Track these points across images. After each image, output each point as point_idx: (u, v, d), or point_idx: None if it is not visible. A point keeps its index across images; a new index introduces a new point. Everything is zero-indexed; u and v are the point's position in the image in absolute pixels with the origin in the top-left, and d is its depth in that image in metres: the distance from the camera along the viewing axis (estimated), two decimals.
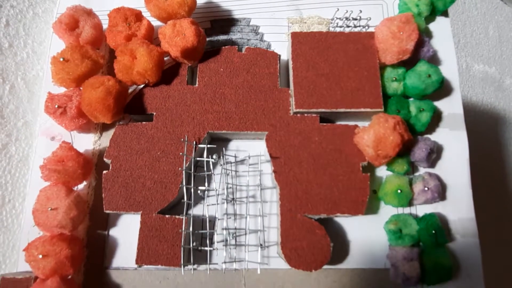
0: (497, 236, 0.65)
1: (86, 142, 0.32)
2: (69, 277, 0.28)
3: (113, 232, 0.31)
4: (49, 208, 0.28)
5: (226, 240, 0.30)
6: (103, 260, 0.30)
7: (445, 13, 0.35)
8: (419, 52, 0.32)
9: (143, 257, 0.28)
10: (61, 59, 0.30)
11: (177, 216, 0.29)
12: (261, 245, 0.29)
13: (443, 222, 0.30)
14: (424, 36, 0.32)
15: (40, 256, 0.27)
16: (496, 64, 0.93)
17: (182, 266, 0.28)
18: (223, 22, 0.35)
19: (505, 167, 0.84)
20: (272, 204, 0.31)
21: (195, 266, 0.30)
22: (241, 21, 0.35)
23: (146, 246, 0.28)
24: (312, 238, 0.28)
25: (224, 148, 0.32)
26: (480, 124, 0.83)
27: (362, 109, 0.30)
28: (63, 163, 0.29)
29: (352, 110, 0.30)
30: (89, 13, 0.32)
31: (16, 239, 0.33)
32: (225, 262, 0.30)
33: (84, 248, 0.30)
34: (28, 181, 0.32)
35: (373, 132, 0.28)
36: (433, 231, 0.28)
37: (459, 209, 0.31)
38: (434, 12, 0.34)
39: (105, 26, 0.33)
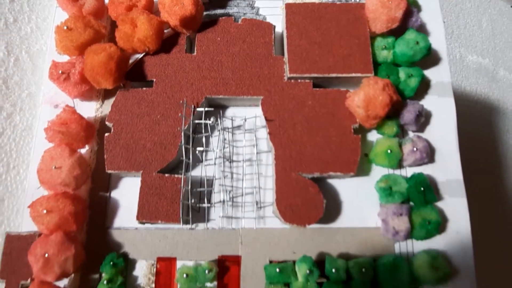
0: (489, 224, 0.66)
1: (88, 110, 0.34)
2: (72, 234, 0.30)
3: (114, 194, 0.32)
4: (53, 167, 0.29)
5: (224, 201, 0.31)
6: (104, 221, 0.31)
7: None
8: (408, 22, 0.33)
9: (143, 214, 0.29)
10: (65, 28, 0.31)
11: (176, 175, 0.30)
12: (256, 202, 0.31)
13: (432, 183, 0.32)
14: (412, 7, 0.34)
15: (45, 212, 0.28)
16: (490, 55, 0.94)
17: (181, 221, 0.29)
18: None
19: (498, 156, 0.86)
20: (267, 167, 0.32)
21: (193, 225, 0.31)
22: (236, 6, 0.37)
23: (147, 203, 0.29)
24: (306, 195, 0.29)
25: (221, 112, 0.33)
26: (474, 113, 0.85)
27: (353, 74, 0.31)
28: (67, 125, 0.30)
29: (344, 75, 0.31)
30: None
31: (20, 203, 0.34)
32: (222, 217, 0.31)
33: (86, 208, 0.31)
34: (32, 148, 0.33)
35: (363, 93, 0.29)
36: (422, 188, 0.30)
37: (447, 171, 0.32)
38: None
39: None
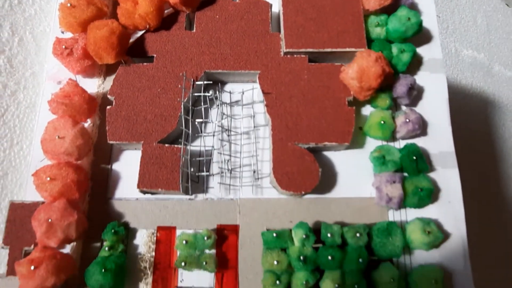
0: (483, 215, 0.67)
1: (90, 86, 0.34)
2: None
3: (115, 166, 0.33)
4: (57, 137, 0.30)
5: (222, 171, 0.32)
6: (106, 192, 0.32)
7: None
8: (400, 0, 0.34)
9: (144, 182, 0.30)
10: (68, 5, 0.32)
11: (176, 145, 0.31)
12: (254, 171, 0.31)
13: (425, 154, 0.33)
14: None
15: (48, 179, 0.29)
16: (485, 50, 0.95)
17: (181, 188, 0.30)
18: None
19: (494, 149, 0.87)
20: (265, 140, 0.33)
21: (192, 196, 0.32)
22: None
23: (147, 172, 0.30)
24: (302, 164, 0.30)
25: (220, 86, 0.34)
26: (470, 107, 0.86)
27: (347, 49, 0.32)
28: (70, 98, 0.31)
29: (338, 50, 0.33)
30: None
31: (23, 178, 0.35)
32: (221, 187, 0.32)
33: (88, 179, 0.32)
34: (35, 125, 0.34)
35: (356, 65, 0.30)
36: (414, 157, 0.30)
37: (439, 144, 0.33)
38: None
39: None
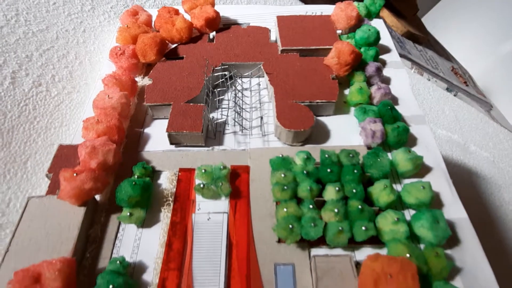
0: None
1: None
2: None
3: (146, 130, 0.40)
4: (107, 96, 0.38)
5: (235, 129, 0.39)
6: (137, 146, 0.38)
7: (378, 16, 0.53)
8: (362, 23, 0.48)
9: (173, 126, 0.37)
10: (126, 26, 0.45)
11: (199, 104, 0.39)
12: (261, 117, 0.39)
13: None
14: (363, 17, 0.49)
15: (96, 120, 0.36)
16: (458, 133, 1.06)
17: (202, 130, 0.36)
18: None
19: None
20: (269, 112, 0.41)
21: (210, 148, 0.38)
22: (243, 24, 0.53)
23: (175, 120, 0.37)
24: (300, 112, 0.38)
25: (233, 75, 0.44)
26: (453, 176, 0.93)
27: (327, 46, 0.44)
28: (119, 76, 0.41)
29: (320, 47, 0.44)
30: (144, 10, 0.50)
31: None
32: (234, 142, 0.38)
33: (125, 134, 0.38)
34: (83, 113, 0.43)
35: (335, 48, 0.41)
36: (389, 107, 0.38)
37: (409, 109, 0.41)
38: (370, 15, 0.52)
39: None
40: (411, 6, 1.35)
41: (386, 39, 0.49)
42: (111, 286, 0.27)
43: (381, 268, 0.26)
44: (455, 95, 1.22)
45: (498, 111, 1.42)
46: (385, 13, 1.26)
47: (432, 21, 2.03)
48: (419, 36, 1.36)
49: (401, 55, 1.16)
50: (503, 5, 1.74)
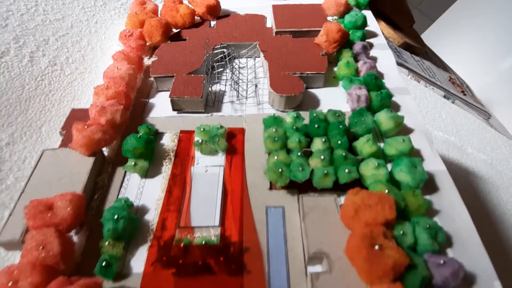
0: None
1: None
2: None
3: (151, 101, 0.44)
4: (116, 68, 0.42)
5: (232, 99, 0.43)
6: (142, 113, 0.42)
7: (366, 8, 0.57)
8: (351, 9, 0.52)
9: (175, 92, 0.40)
10: (135, 12, 0.50)
11: (200, 75, 0.43)
12: (255, 85, 0.42)
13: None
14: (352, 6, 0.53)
15: (106, 86, 0.40)
16: (455, 136, 1.08)
17: (201, 95, 0.40)
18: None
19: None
20: (264, 85, 0.45)
21: (209, 114, 0.41)
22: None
23: (178, 88, 0.41)
24: (291, 81, 0.41)
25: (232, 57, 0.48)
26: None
27: (317, 28, 0.48)
28: (128, 53, 0.45)
29: (311, 29, 0.48)
30: (151, 0, 0.54)
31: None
32: (231, 109, 0.41)
33: (132, 101, 0.42)
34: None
35: (324, 27, 0.45)
36: (374, 77, 0.42)
37: (393, 83, 0.45)
38: (359, 6, 0.56)
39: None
40: (407, 18, 1.41)
41: (373, 26, 0.53)
42: (116, 216, 0.29)
43: (361, 200, 0.29)
44: (452, 102, 1.24)
45: (496, 120, 1.43)
46: (382, 25, 1.31)
47: (430, 37, 2.09)
48: (416, 47, 1.40)
49: (398, 63, 1.20)
50: (505, 20, 1.78)
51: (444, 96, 1.25)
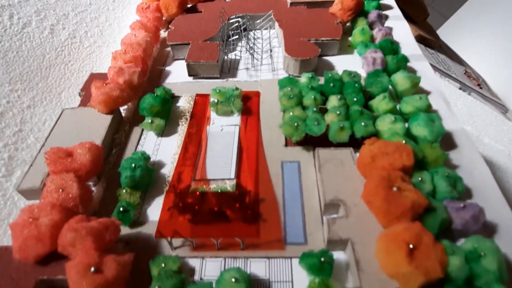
0: None
1: None
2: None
3: (167, 68, 0.44)
4: (134, 35, 0.43)
5: (248, 64, 0.43)
6: (159, 79, 0.42)
7: None
8: None
9: (191, 57, 0.41)
10: None
11: (215, 41, 0.43)
12: (270, 50, 0.42)
13: None
14: None
15: (124, 51, 0.40)
16: (471, 126, 1.06)
17: (217, 60, 0.40)
18: None
19: None
20: (279, 54, 0.45)
21: (224, 79, 0.42)
22: None
23: (194, 53, 0.41)
24: (305, 47, 0.41)
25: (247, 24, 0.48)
26: None
27: None
28: (145, 22, 0.46)
29: None
30: None
31: None
32: (247, 75, 0.42)
33: (148, 67, 0.43)
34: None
35: None
36: (390, 42, 0.41)
37: (409, 50, 0.44)
38: None
39: None
40: (421, 11, 1.39)
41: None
42: (133, 165, 0.30)
43: (378, 148, 0.29)
44: (468, 94, 1.22)
45: None
46: None
47: (444, 34, 2.07)
48: (431, 40, 1.38)
49: None
50: None
51: (460, 88, 1.23)
